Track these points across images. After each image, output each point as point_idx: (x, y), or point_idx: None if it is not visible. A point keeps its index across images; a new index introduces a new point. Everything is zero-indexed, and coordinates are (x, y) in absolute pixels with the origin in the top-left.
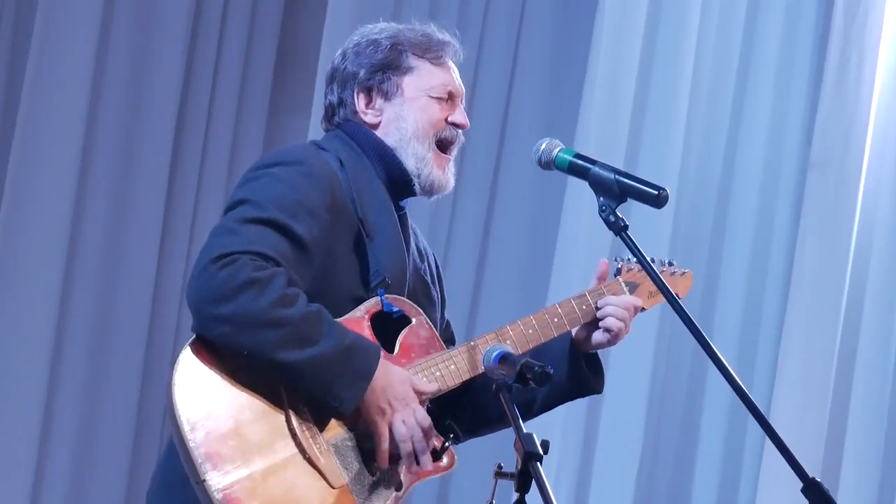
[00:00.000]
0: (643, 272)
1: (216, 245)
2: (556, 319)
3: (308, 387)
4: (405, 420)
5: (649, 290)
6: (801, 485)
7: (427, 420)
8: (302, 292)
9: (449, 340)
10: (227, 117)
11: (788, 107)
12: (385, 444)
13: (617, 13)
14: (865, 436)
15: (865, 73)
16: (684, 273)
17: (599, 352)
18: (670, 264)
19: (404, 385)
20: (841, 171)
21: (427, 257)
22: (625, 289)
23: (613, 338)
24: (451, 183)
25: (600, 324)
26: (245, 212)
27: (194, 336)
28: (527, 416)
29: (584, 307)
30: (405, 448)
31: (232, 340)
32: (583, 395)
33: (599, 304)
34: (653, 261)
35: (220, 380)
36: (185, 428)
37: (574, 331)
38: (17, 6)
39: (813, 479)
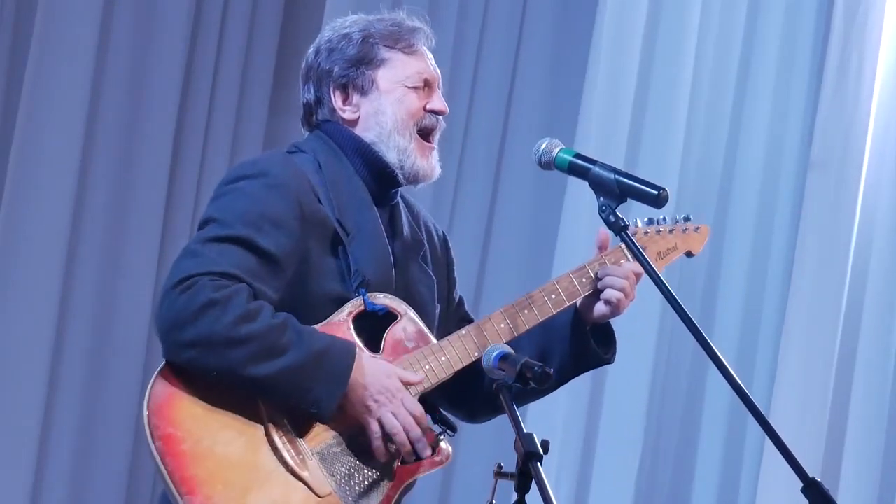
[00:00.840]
0: (648, 236)
1: (178, 270)
2: (553, 296)
3: (284, 398)
4: (394, 412)
5: (657, 251)
6: (801, 485)
7: (418, 408)
8: (266, 304)
9: (464, 319)
10: (227, 117)
11: (788, 107)
12: (377, 441)
13: (617, 13)
14: (865, 436)
15: (865, 73)
16: (699, 228)
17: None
18: (686, 220)
19: (388, 377)
20: (841, 171)
21: (433, 239)
22: (627, 255)
23: (615, 308)
24: (437, 170)
25: (601, 296)
26: (209, 231)
27: (164, 362)
28: (544, 392)
29: (583, 280)
30: (399, 440)
31: (200, 364)
32: (592, 368)
33: (599, 274)
34: (664, 220)
35: (193, 403)
36: (158, 457)
37: (578, 302)
38: (17, 6)
39: (813, 479)
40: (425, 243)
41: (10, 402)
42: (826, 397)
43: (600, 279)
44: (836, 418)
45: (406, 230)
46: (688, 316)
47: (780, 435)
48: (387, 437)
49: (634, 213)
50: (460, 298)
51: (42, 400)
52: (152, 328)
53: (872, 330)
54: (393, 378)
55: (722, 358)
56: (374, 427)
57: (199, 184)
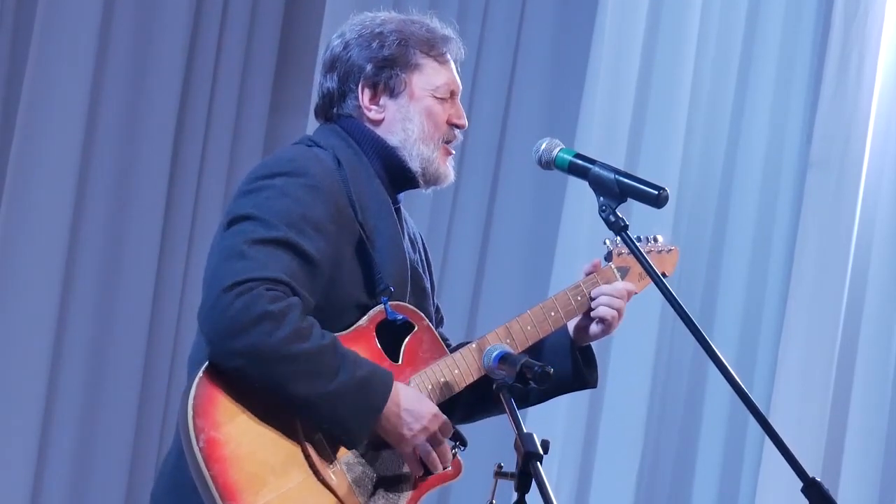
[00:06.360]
0: (631, 257)
1: (229, 271)
2: (552, 314)
3: (320, 420)
4: (429, 432)
5: (639, 272)
6: (801, 485)
7: (449, 427)
8: (316, 322)
9: (439, 324)
10: (227, 117)
11: (788, 107)
12: (415, 466)
13: (617, 12)
14: (866, 435)
15: (865, 73)
16: (670, 250)
17: (597, 346)
18: (654, 240)
19: (419, 403)
20: (841, 171)
21: (417, 245)
22: (617, 275)
23: (607, 327)
24: (453, 175)
25: (592, 314)
26: (253, 231)
27: (208, 362)
28: (521, 406)
29: (578, 298)
30: (432, 462)
31: (246, 374)
32: (579, 389)
33: (593, 293)
34: (638, 239)
35: (235, 406)
36: (202, 461)
37: (570, 324)
38: (17, 6)
39: (813, 479)
40: (417, 246)
41: (10, 401)
42: (826, 397)
43: (594, 298)
44: (836, 418)
45: (405, 232)
46: (688, 316)
47: (780, 435)
48: (420, 458)
49: (635, 214)
50: (437, 305)
51: (42, 400)
52: (152, 328)
53: (872, 330)
54: (423, 404)
55: (722, 358)
56: (408, 451)
57: (199, 183)
